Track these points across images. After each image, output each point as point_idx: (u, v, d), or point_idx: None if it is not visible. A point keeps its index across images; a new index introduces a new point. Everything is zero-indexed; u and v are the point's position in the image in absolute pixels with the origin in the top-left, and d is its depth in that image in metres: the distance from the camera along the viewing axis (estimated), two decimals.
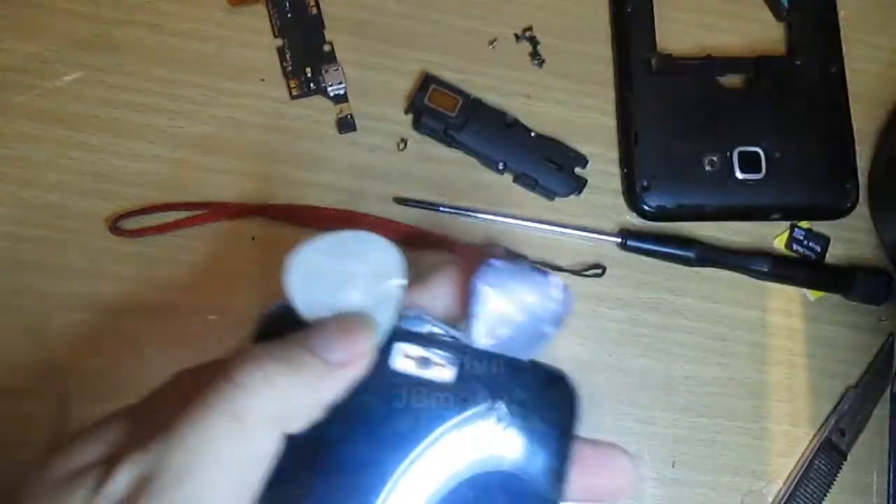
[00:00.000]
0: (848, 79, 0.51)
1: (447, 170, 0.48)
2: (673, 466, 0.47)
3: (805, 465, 0.48)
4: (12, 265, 0.44)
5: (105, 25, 0.47)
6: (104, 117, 0.46)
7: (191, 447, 0.20)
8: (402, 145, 0.48)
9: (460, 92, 0.48)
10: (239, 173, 0.47)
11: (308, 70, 0.48)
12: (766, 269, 0.49)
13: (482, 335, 0.24)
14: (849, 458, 0.48)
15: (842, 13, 0.52)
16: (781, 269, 0.49)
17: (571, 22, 0.52)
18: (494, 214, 0.48)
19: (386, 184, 0.48)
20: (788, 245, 0.51)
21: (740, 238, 0.51)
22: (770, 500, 0.48)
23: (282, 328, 0.23)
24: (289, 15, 0.48)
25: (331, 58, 0.48)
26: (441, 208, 0.47)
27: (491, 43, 0.50)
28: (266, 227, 0.46)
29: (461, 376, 0.23)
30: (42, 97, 0.46)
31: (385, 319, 0.23)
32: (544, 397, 0.24)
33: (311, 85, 0.48)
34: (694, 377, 0.49)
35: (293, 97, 0.48)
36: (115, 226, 0.44)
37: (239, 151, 0.47)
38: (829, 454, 0.48)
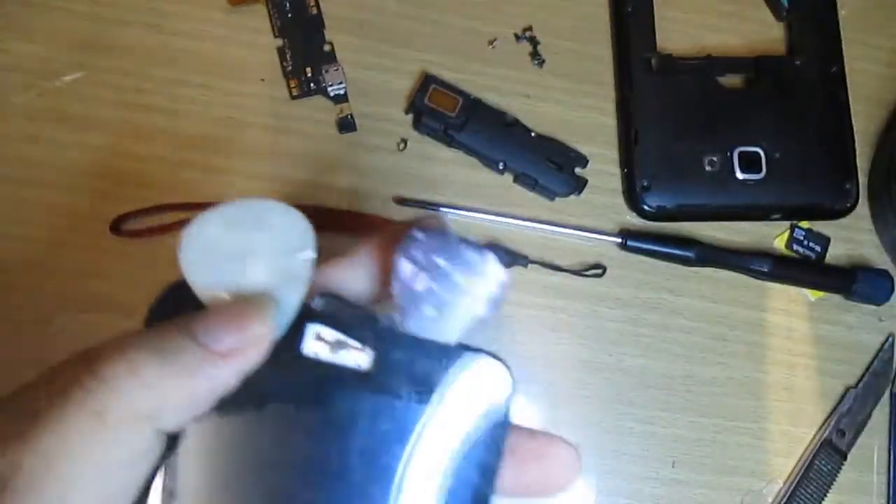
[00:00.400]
0: (848, 79, 0.51)
1: (447, 170, 0.48)
2: (673, 466, 0.47)
3: (805, 466, 0.48)
4: (12, 265, 0.44)
5: (105, 25, 0.47)
6: (104, 117, 0.46)
7: (49, 449, 0.18)
8: (402, 145, 0.48)
9: (460, 92, 0.48)
10: (239, 173, 0.46)
11: (308, 70, 0.48)
12: (766, 269, 0.49)
13: (403, 315, 0.21)
14: (849, 458, 0.48)
15: (842, 13, 0.52)
16: (781, 269, 0.49)
17: (571, 22, 0.52)
18: (494, 214, 0.48)
19: (386, 184, 0.48)
20: (788, 245, 0.51)
21: (740, 238, 0.51)
22: (770, 500, 0.48)
23: (178, 311, 0.21)
24: (289, 15, 0.48)
25: (331, 58, 0.48)
26: (441, 208, 0.47)
27: (491, 43, 0.50)
28: None
29: (379, 362, 0.21)
30: (42, 97, 0.46)
31: (293, 298, 0.21)
32: (473, 385, 0.21)
33: (312, 85, 0.48)
34: (694, 377, 0.49)
35: (293, 97, 0.48)
36: (115, 226, 0.44)
37: (239, 151, 0.47)
38: (828, 454, 0.48)
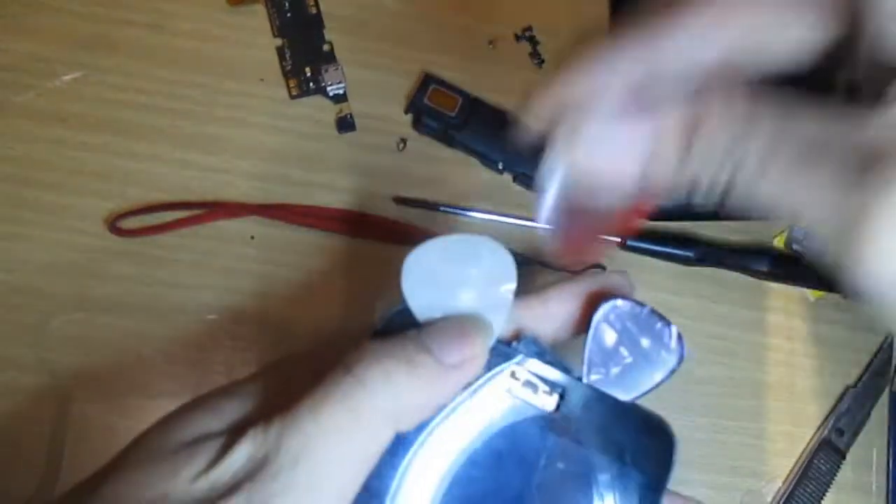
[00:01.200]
0: None
1: (447, 170, 0.48)
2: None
3: (804, 465, 0.48)
4: (12, 265, 0.44)
5: (105, 25, 0.47)
6: (104, 117, 0.46)
7: (309, 434, 0.20)
8: (401, 145, 0.48)
9: (460, 91, 0.48)
10: (239, 173, 0.47)
11: (308, 70, 0.48)
12: (765, 269, 0.49)
13: (591, 370, 0.24)
14: (848, 457, 0.48)
15: None
16: (781, 268, 0.49)
17: (571, 22, 0.52)
18: (494, 214, 0.48)
19: (386, 184, 0.48)
20: (788, 244, 0.51)
21: (740, 238, 0.51)
22: (769, 499, 0.48)
23: (398, 330, 0.23)
24: (288, 15, 0.48)
25: (330, 57, 0.48)
26: (441, 208, 0.47)
27: (491, 43, 0.50)
28: (265, 226, 0.46)
29: (563, 408, 0.24)
30: (42, 97, 0.46)
31: (497, 324, 0.24)
32: (641, 443, 0.24)
33: (311, 85, 0.48)
34: (693, 377, 0.49)
35: (293, 97, 0.48)
36: (114, 226, 0.44)
37: (239, 151, 0.47)
38: (828, 454, 0.48)
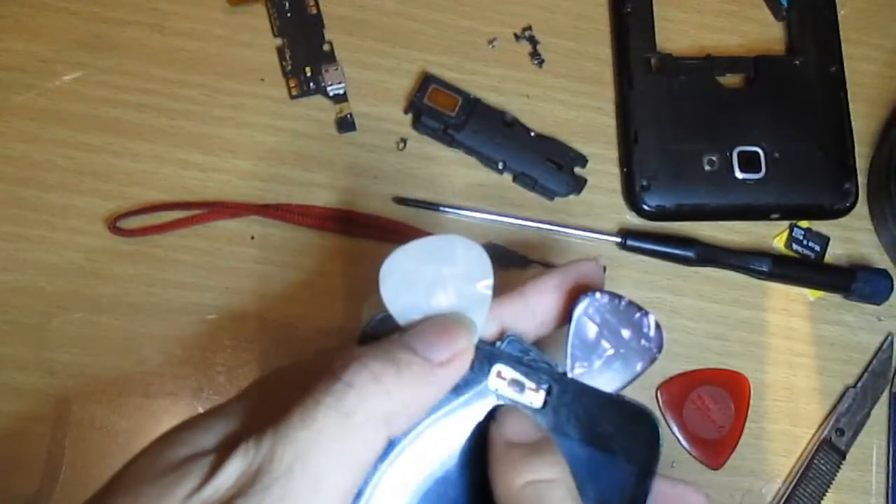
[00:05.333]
0: (847, 79, 0.51)
1: (447, 169, 0.48)
2: (672, 466, 0.47)
3: (804, 465, 0.48)
4: (12, 265, 0.44)
5: (105, 25, 0.47)
6: (104, 117, 0.46)
7: (302, 441, 0.20)
8: (401, 145, 0.48)
9: (460, 92, 0.48)
10: (239, 173, 0.47)
11: (308, 70, 0.48)
12: (765, 269, 0.49)
13: (575, 364, 0.24)
14: (848, 457, 0.48)
15: (841, 13, 0.52)
16: (781, 268, 0.49)
17: (571, 22, 0.52)
18: (494, 214, 0.48)
19: (386, 184, 0.48)
20: (788, 245, 0.51)
21: (740, 238, 0.51)
22: (769, 499, 0.48)
23: (383, 336, 0.24)
24: (288, 15, 0.48)
25: (330, 57, 0.48)
26: (441, 208, 0.47)
27: (490, 43, 0.50)
28: (265, 226, 0.46)
29: (550, 402, 0.24)
30: (42, 97, 0.46)
31: (478, 321, 0.24)
32: (628, 432, 0.24)
33: (311, 85, 0.48)
34: None
35: (293, 97, 0.48)
36: (115, 225, 0.44)
37: (239, 151, 0.47)
38: (828, 454, 0.48)
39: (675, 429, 0.47)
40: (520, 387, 0.24)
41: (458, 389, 0.23)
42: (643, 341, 0.25)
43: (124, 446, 0.43)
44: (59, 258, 0.44)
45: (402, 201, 0.47)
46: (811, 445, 0.49)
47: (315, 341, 0.45)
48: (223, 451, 0.21)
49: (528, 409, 0.24)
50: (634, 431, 0.24)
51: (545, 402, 0.24)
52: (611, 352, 0.25)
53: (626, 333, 0.25)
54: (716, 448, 0.47)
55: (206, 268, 0.45)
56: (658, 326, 0.25)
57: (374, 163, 0.48)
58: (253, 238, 0.46)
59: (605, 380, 0.24)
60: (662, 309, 0.49)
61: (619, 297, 0.25)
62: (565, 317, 0.25)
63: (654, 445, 0.24)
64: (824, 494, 0.47)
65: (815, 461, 0.48)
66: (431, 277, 0.24)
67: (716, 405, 0.47)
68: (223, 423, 0.23)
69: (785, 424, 0.49)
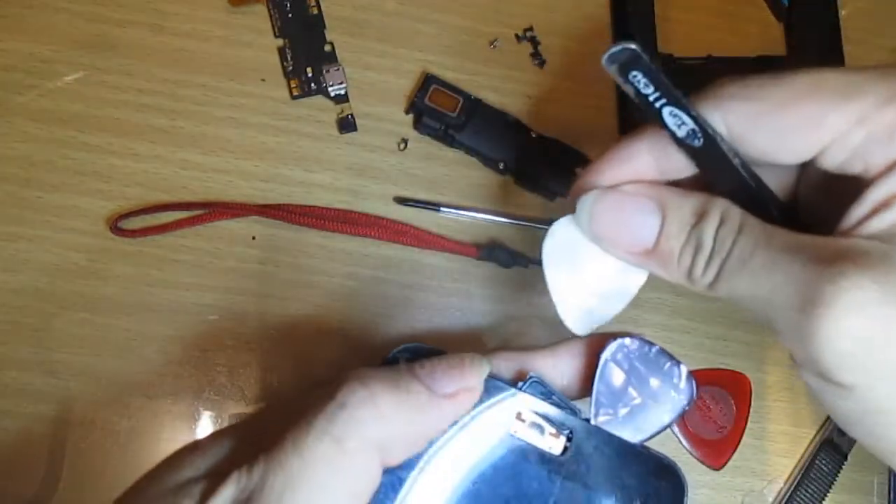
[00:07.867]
0: None
1: (447, 170, 0.48)
2: None
3: (806, 465, 0.48)
4: (12, 265, 0.44)
5: (105, 25, 0.47)
6: (104, 117, 0.46)
7: (293, 469, 0.20)
8: (402, 145, 0.48)
9: (461, 92, 0.48)
10: (239, 173, 0.47)
11: (309, 70, 0.48)
12: None
13: (599, 411, 0.24)
14: (849, 458, 0.48)
15: (842, 13, 0.52)
16: None
17: (572, 22, 0.52)
18: (494, 214, 0.48)
19: (386, 184, 0.48)
20: None
21: None
22: (770, 500, 0.48)
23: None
24: (289, 15, 0.48)
25: (331, 58, 0.48)
26: (441, 208, 0.47)
27: (491, 43, 0.50)
28: (266, 227, 0.46)
29: (571, 450, 0.23)
30: (42, 97, 0.46)
31: (614, 310, 0.24)
32: (651, 486, 0.23)
33: (312, 85, 0.48)
34: None
35: (294, 97, 0.48)
36: (115, 226, 0.44)
37: (239, 151, 0.47)
38: (829, 454, 0.48)
39: (676, 429, 0.47)
40: (540, 430, 0.23)
41: (475, 427, 0.23)
42: (672, 392, 0.24)
43: (125, 446, 0.43)
44: (60, 258, 0.44)
45: (402, 201, 0.47)
46: (813, 446, 0.49)
47: (316, 342, 0.45)
48: (216, 479, 0.21)
49: (546, 455, 0.23)
50: (657, 486, 0.23)
51: (565, 449, 0.23)
52: (638, 401, 0.24)
53: (654, 383, 0.24)
54: (717, 448, 0.47)
55: (208, 268, 0.45)
56: (690, 377, 0.24)
57: (375, 163, 0.48)
58: (254, 238, 0.46)
59: (630, 430, 0.24)
60: (663, 309, 0.49)
61: (650, 345, 0.24)
62: (590, 384, 0.24)
63: (678, 502, 0.23)
64: (826, 495, 0.47)
65: (817, 461, 0.48)
66: (595, 255, 0.25)
67: (717, 405, 0.47)
68: (219, 451, 0.23)
69: (786, 425, 0.49)
